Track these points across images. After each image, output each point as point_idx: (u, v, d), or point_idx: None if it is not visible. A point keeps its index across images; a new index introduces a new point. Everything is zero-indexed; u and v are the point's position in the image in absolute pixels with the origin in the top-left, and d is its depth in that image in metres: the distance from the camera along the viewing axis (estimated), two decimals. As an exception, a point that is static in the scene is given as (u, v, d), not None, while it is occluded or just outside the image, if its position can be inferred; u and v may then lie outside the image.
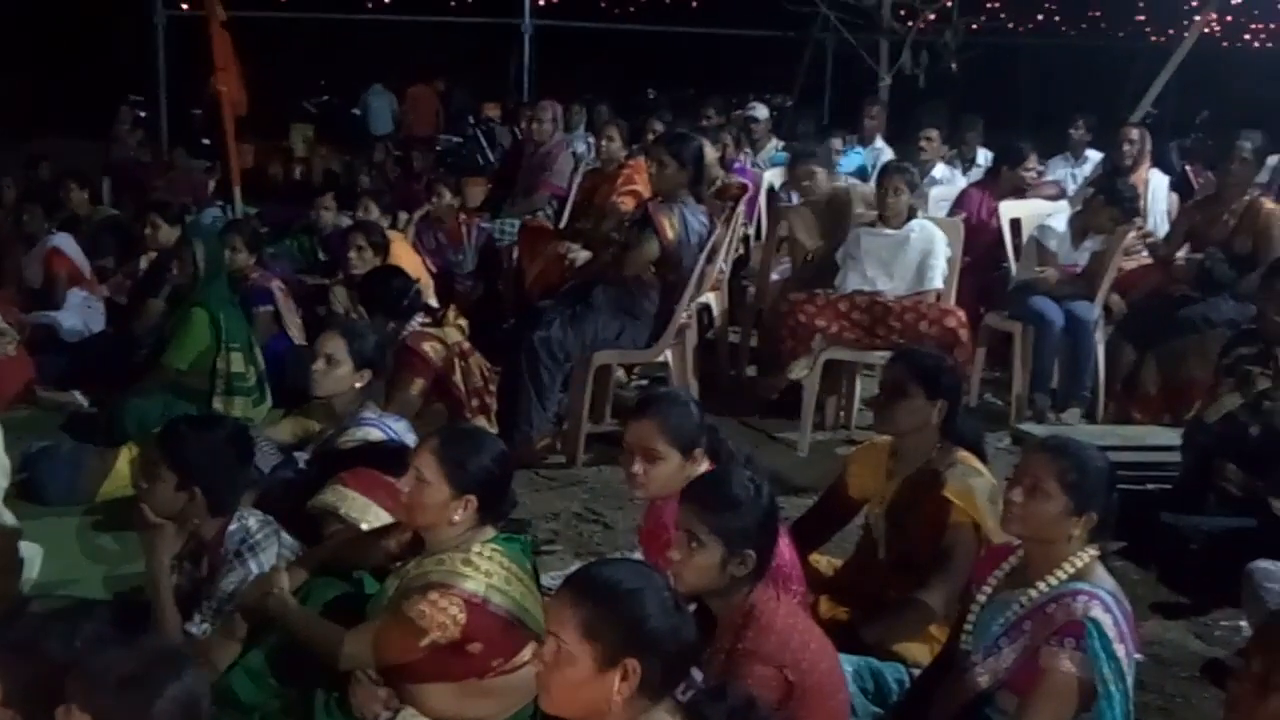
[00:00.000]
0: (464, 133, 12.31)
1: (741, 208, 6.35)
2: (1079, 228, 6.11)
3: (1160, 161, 7.98)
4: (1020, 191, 6.86)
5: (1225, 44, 19.25)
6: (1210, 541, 4.22)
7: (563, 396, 5.32)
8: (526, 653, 2.88)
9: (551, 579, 3.50)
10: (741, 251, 7.10)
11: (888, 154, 8.44)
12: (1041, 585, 2.68)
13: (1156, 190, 7.37)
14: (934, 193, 7.42)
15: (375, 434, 3.87)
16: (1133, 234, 6.19)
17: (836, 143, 8.46)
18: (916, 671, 3.11)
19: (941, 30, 11.34)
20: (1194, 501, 4.44)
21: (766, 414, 5.88)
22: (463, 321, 5.34)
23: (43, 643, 2.16)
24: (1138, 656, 2.66)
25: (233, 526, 3.26)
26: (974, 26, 13.24)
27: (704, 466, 3.09)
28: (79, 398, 5.69)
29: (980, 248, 6.56)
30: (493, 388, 5.18)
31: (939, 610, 3.20)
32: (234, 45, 7.94)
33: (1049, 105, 13.67)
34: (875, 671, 3.12)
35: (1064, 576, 2.67)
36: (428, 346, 4.87)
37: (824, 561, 3.72)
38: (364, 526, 3.50)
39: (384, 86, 14.50)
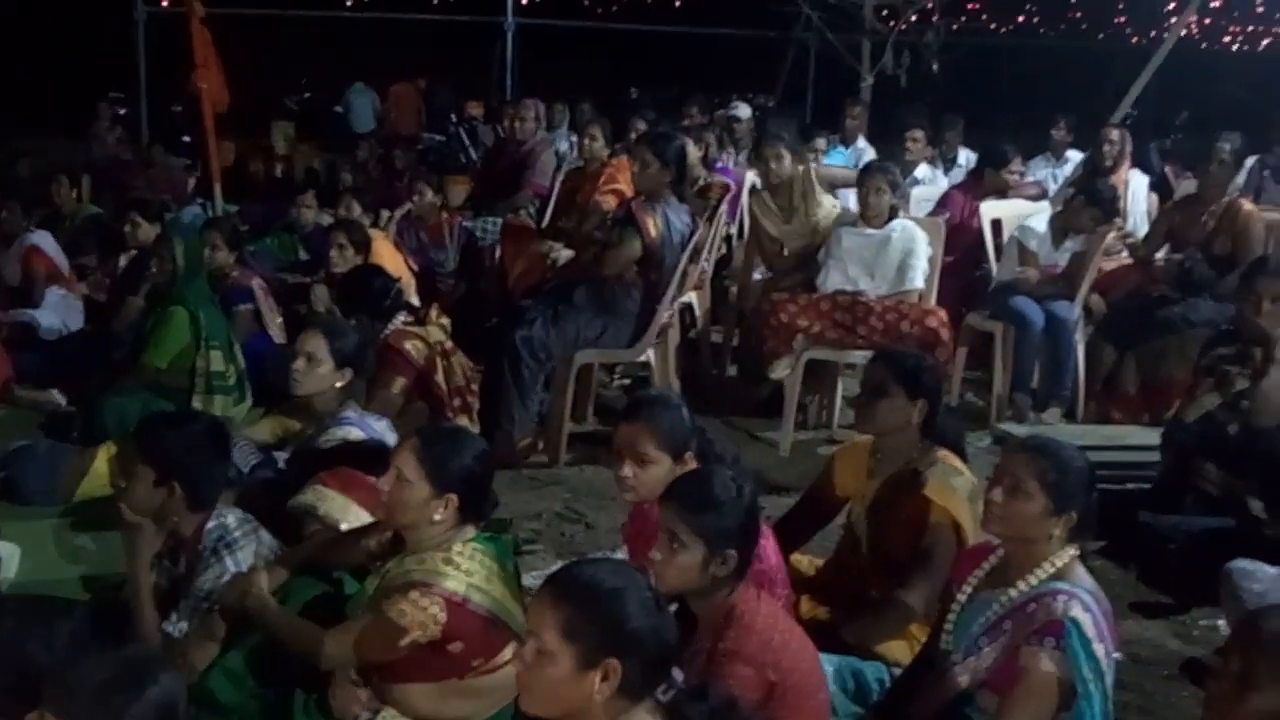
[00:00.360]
0: (446, 131, 12.25)
1: (724, 207, 6.36)
2: (1059, 228, 6.13)
3: (1140, 162, 8.04)
4: (1002, 192, 6.89)
5: (1205, 46, 19.39)
6: (1189, 541, 4.23)
7: (544, 396, 5.32)
8: (507, 652, 2.87)
9: (533, 578, 3.48)
10: (724, 251, 7.10)
11: (870, 154, 8.47)
12: (1021, 585, 2.70)
13: (1137, 191, 7.42)
14: (916, 192, 7.45)
15: (356, 433, 3.86)
16: (1113, 234, 6.22)
17: (820, 142, 8.48)
18: (897, 671, 3.11)
19: (923, 31, 11.39)
20: (1173, 501, 4.47)
21: (748, 413, 5.89)
22: (445, 320, 5.31)
23: (20, 644, 2.15)
24: (1117, 655, 2.67)
25: (211, 524, 3.23)
26: (955, 27, 13.31)
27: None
28: (57, 396, 5.64)
29: (961, 248, 6.58)
30: (475, 387, 5.15)
31: (919, 609, 3.20)
32: (215, 42, 7.89)
33: (1030, 106, 13.72)
34: (856, 671, 3.13)
35: (1044, 576, 2.68)
36: (409, 345, 4.84)
37: (805, 561, 3.72)
38: (343, 526, 3.48)
39: (366, 84, 14.41)
